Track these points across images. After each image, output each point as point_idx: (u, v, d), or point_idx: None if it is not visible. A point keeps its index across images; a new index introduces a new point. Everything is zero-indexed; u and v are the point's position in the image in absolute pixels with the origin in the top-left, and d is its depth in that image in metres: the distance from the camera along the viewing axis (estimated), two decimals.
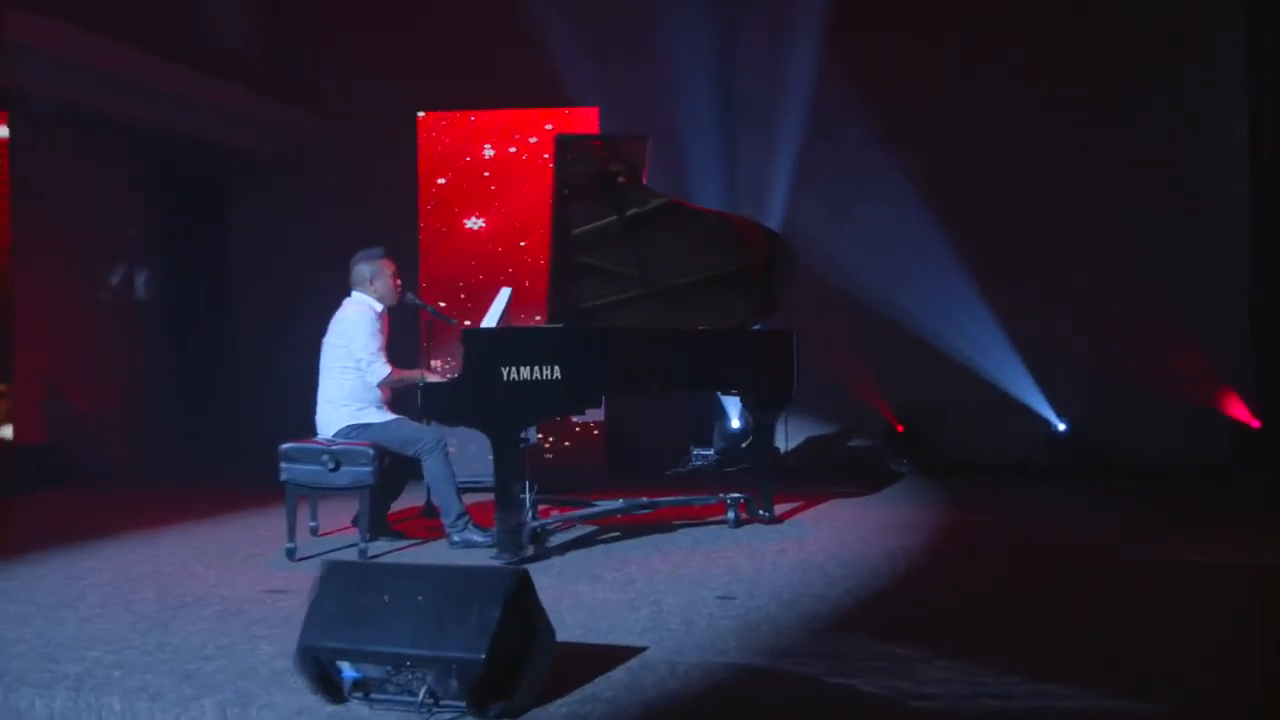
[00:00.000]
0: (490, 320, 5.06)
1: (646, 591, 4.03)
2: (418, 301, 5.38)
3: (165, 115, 8.50)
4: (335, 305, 9.54)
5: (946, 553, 4.90)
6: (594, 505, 5.29)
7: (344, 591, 2.70)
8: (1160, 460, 7.58)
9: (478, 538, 4.99)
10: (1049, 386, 7.92)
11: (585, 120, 7.20)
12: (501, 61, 8.18)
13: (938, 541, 5.12)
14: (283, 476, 4.77)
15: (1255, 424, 7.51)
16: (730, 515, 5.54)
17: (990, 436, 8.04)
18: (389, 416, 5.08)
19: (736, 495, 5.58)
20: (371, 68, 9.04)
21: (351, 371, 5.04)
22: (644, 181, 5.17)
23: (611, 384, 4.77)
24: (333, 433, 5.02)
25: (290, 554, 4.78)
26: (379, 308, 5.16)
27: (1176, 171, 8.05)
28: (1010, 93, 8.16)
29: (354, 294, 5.22)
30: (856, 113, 8.09)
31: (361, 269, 5.18)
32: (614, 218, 5.32)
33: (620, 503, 5.35)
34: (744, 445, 8.64)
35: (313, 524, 5.44)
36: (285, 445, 4.80)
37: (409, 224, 8.73)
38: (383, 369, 5.02)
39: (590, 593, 4.03)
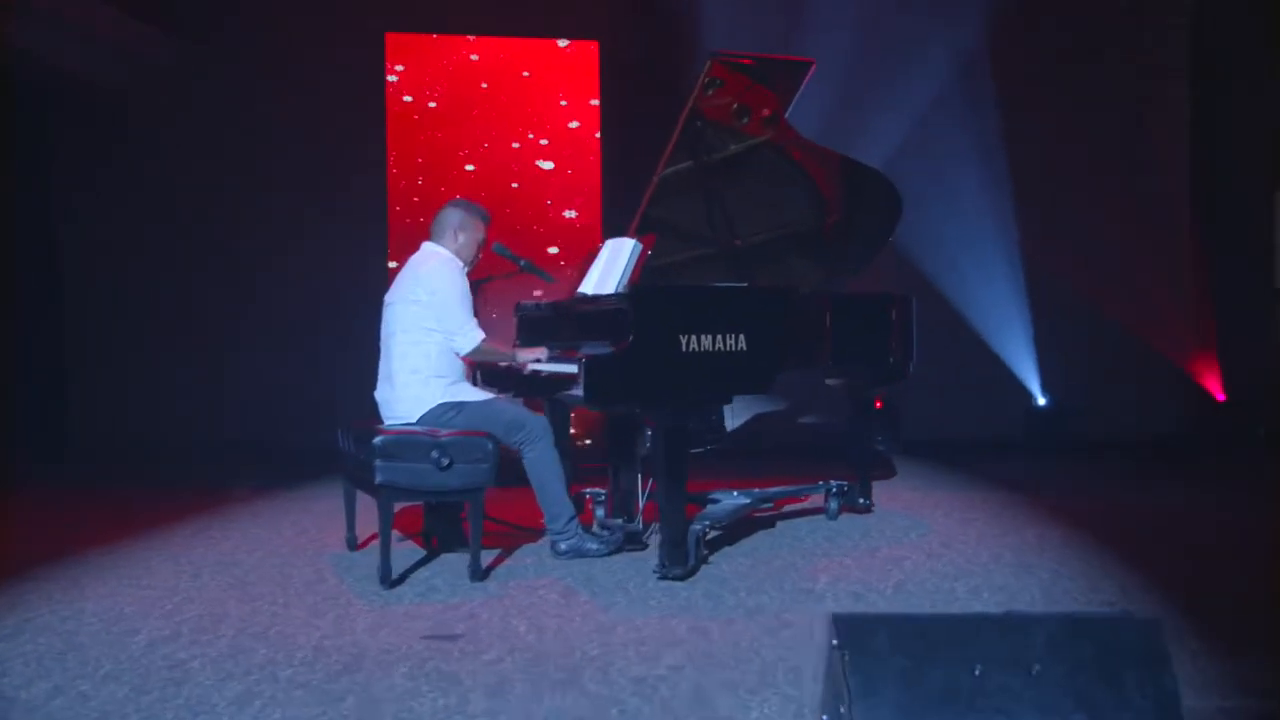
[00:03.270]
0: (614, 278, 4.10)
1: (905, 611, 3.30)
2: (507, 253, 4.30)
3: None
4: (193, 273, 8.09)
5: (1127, 541, 4.33)
6: (718, 500, 4.44)
7: (892, 661, 1.82)
8: (1132, 433, 7.68)
9: (593, 545, 4.07)
10: (1029, 362, 7.79)
11: (583, 54, 6.23)
12: None
13: (1101, 529, 4.56)
14: (379, 479, 3.60)
15: (1220, 398, 7.69)
16: (833, 505, 4.89)
17: (969, 411, 7.83)
18: (485, 394, 4.02)
19: (840, 483, 4.93)
20: None
21: (437, 334, 3.95)
22: (785, 117, 4.36)
23: (788, 359, 3.93)
24: (419, 415, 3.91)
25: (385, 579, 3.64)
26: (461, 264, 4.09)
27: (1125, 153, 8.14)
28: (967, 74, 7.95)
29: (430, 244, 4.11)
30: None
31: (450, 214, 4.11)
32: (720, 159, 4.51)
33: (736, 494, 4.54)
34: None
35: (349, 535, 4.30)
36: (380, 439, 3.63)
37: (317, 172, 7.47)
38: (476, 334, 3.97)
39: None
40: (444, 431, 3.75)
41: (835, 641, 1.88)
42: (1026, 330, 7.76)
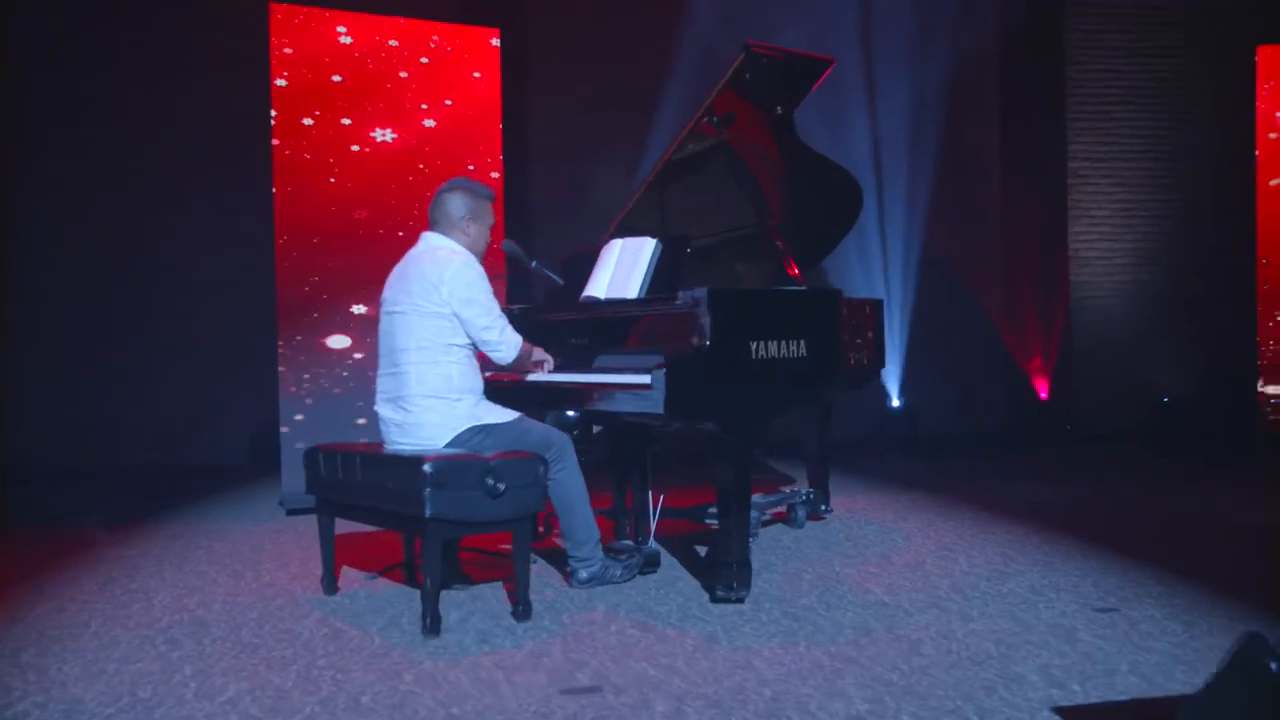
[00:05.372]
0: (636, 281, 3.78)
1: (996, 632, 3.25)
2: (518, 251, 3.85)
3: None
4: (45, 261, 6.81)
5: (1096, 536, 4.50)
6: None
7: None
8: (969, 430, 8.19)
9: (617, 571, 3.74)
10: (892, 365, 8.11)
11: (479, 39, 5.77)
12: None
13: (1057, 525, 4.73)
14: (430, 510, 3.08)
15: (1043, 395, 8.35)
16: (800, 514, 4.81)
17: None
18: (511, 413, 3.58)
19: (808, 491, 4.86)
20: None
21: (458, 350, 3.48)
22: (792, 116, 4.21)
23: (840, 366, 3.74)
24: (446, 440, 3.41)
25: (433, 628, 3.13)
26: (477, 259, 3.62)
27: (949, 162, 8.71)
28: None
29: (435, 236, 3.60)
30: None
31: (456, 202, 3.60)
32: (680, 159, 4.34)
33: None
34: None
35: (326, 576, 3.71)
36: (430, 465, 3.10)
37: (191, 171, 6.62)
38: (515, 339, 3.58)
39: (970, 633, 3.15)
40: (487, 454, 3.29)
41: (1275, 666, 1.76)
42: (898, 334, 8.06)
